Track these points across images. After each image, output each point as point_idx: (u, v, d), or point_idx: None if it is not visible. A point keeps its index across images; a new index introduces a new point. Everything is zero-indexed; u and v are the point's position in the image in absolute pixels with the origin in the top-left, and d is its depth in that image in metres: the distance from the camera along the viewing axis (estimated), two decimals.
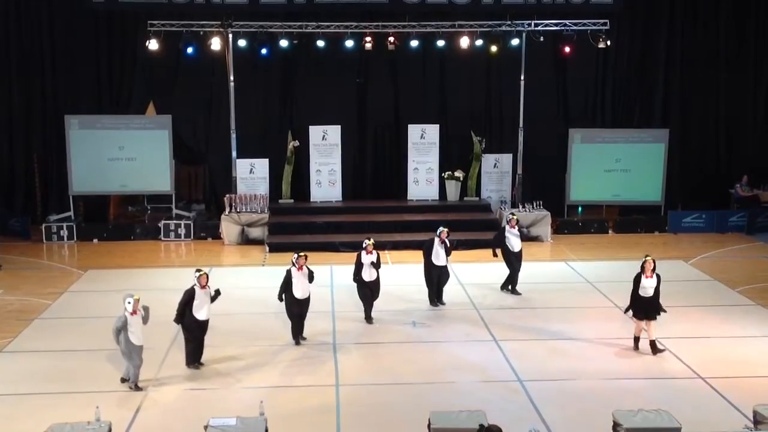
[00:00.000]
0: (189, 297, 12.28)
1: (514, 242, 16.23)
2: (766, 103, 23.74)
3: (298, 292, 13.30)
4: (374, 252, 14.47)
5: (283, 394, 11.55)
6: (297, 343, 13.49)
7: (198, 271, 12.48)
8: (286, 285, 13.37)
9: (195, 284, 12.30)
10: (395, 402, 11.30)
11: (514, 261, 16.26)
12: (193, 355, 12.49)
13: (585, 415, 10.78)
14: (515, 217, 16.70)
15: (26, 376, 12.19)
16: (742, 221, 22.06)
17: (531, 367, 12.55)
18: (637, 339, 13.19)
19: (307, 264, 13.41)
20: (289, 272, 13.41)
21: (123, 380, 11.81)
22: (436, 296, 15.53)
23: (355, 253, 14.84)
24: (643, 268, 12.97)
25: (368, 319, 14.61)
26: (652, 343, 13.03)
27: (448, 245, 15.42)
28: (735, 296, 16.20)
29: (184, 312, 12.28)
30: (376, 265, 14.50)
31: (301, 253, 13.48)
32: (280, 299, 13.48)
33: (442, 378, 12.12)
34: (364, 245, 14.46)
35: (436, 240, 15.31)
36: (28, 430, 10.20)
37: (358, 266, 14.48)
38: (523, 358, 12.90)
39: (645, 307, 12.97)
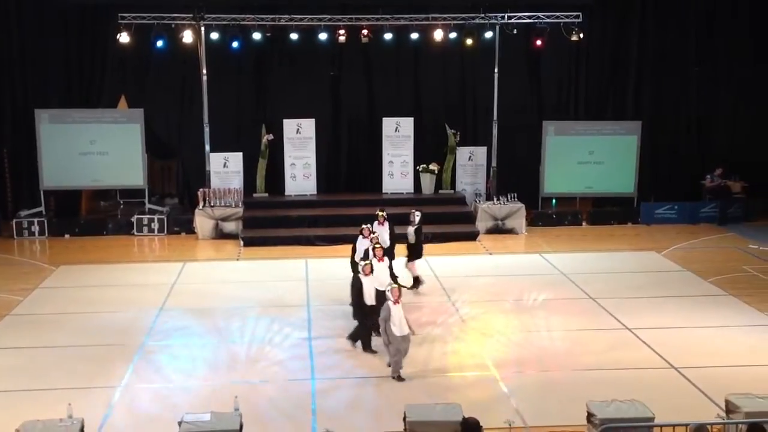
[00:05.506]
0: (359, 286, 12.39)
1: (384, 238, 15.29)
2: (736, 95, 23.92)
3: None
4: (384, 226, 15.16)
5: (258, 388, 11.49)
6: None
7: (363, 259, 12.77)
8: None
9: (360, 274, 12.47)
10: (370, 395, 11.29)
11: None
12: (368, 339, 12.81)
13: (559, 405, 10.83)
14: (367, 226, 15.02)
15: None
16: (714, 212, 22.28)
17: (506, 358, 12.59)
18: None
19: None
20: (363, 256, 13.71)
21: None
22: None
23: (329, 247, 14.65)
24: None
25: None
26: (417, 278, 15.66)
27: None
28: (707, 287, 16.35)
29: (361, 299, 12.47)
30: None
31: (366, 225, 14.33)
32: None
33: (418, 371, 12.12)
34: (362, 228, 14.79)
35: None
36: (0, 427, 10.08)
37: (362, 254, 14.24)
38: (498, 350, 12.95)
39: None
